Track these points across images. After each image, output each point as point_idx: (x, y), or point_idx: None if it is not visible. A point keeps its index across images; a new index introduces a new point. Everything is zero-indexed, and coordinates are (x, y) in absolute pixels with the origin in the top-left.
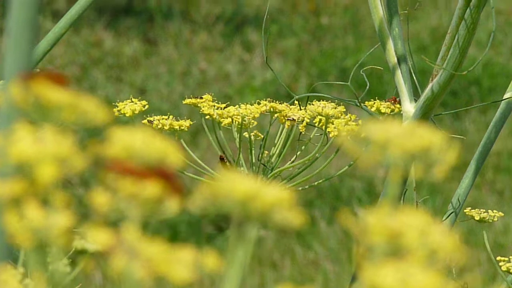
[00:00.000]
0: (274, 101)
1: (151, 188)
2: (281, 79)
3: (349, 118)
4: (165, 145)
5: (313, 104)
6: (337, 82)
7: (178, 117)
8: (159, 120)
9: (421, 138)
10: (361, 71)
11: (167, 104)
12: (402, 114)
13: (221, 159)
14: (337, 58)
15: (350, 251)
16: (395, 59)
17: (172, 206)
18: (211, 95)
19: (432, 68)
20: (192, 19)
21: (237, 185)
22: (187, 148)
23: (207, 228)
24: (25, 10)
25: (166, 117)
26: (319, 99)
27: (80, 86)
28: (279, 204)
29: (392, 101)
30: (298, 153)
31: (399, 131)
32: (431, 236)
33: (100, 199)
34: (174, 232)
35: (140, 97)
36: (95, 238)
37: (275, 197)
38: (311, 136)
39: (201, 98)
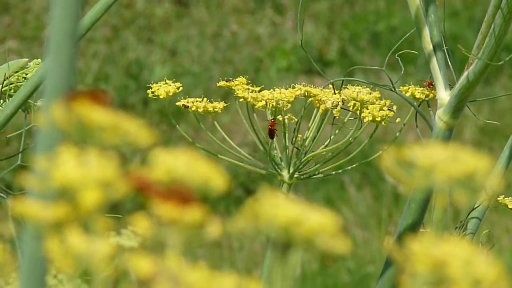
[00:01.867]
0: (305, 66)
1: (192, 214)
2: (313, 42)
3: (384, 104)
4: (209, 168)
5: (347, 88)
6: (373, 67)
7: (208, 80)
8: (193, 103)
9: (466, 163)
10: (396, 55)
11: (198, 66)
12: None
13: (270, 131)
14: (369, 22)
15: (379, 217)
16: (431, 46)
17: (213, 231)
18: (242, 59)
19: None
20: None
21: (280, 209)
22: (221, 131)
23: (237, 192)
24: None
25: (200, 99)
26: (353, 83)
27: (111, 47)
28: (323, 230)
29: (427, 85)
30: (332, 137)
31: (444, 155)
32: (475, 265)
33: (142, 224)
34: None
35: (171, 59)
36: (138, 265)
37: (318, 222)
38: (345, 121)
39: (235, 80)
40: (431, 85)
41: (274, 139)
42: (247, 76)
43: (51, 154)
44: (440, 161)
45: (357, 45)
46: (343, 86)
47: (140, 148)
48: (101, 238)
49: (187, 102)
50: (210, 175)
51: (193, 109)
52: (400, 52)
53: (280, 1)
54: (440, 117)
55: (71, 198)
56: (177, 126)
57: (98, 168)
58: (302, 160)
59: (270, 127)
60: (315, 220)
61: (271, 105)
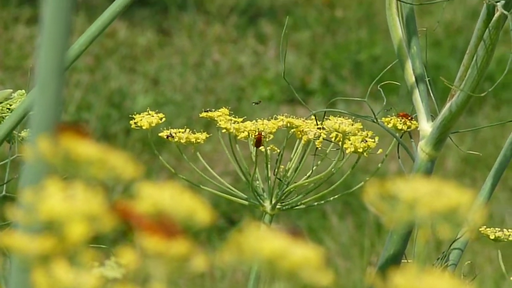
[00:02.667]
0: (287, 95)
1: (177, 246)
2: (295, 71)
3: (366, 135)
4: (194, 201)
5: (329, 119)
6: (355, 99)
7: (190, 109)
8: (175, 134)
9: (449, 198)
10: (378, 86)
11: (180, 95)
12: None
13: (258, 141)
14: (351, 51)
15: (361, 247)
16: (413, 78)
17: (198, 263)
18: (224, 88)
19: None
20: (206, 10)
21: (265, 243)
22: (203, 161)
23: (218, 221)
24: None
25: (183, 130)
26: (335, 114)
27: (94, 76)
28: (307, 263)
29: (402, 117)
30: (314, 168)
31: (426, 189)
32: None
33: (127, 256)
34: (188, 228)
35: (153, 88)
36: None
37: (302, 256)
38: (327, 152)
39: (217, 111)
40: (407, 117)
41: (257, 170)
42: (229, 106)
43: (37, 187)
44: (423, 195)
45: (339, 75)
46: (325, 117)
47: (124, 181)
48: (87, 270)
49: (170, 133)
50: (194, 208)
51: (175, 140)
52: (383, 83)
53: (262, 30)
54: (422, 149)
55: (57, 231)
56: (160, 157)
57: (84, 201)
58: (284, 191)
59: (258, 136)
60: (299, 253)
61: (253, 135)
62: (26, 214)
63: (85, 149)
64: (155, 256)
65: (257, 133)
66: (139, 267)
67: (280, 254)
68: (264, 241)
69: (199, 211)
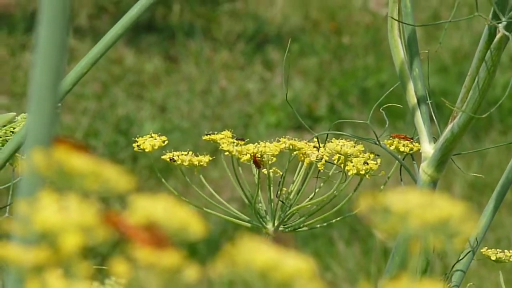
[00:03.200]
0: (294, 122)
1: (170, 258)
2: (302, 98)
3: (368, 157)
4: (187, 213)
5: (332, 142)
6: (358, 121)
7: (198, 136)
8: (178, 156)
9: (441, 209)
10: (381, 109)
11: (187, 122)
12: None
13: (255, 162)
14: (358, 78)
15: (368, 272)
16: (415, 100)
17: (191, 275)
18: (231, 115)
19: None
20: (213, 37)
21: (257, 255)
22: (208, 186)
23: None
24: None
25: (186, 153)
26: (337, 137)
27: (101, 103)
28: (300, 275)
29: (402, 139)
30: (317, 190)
31: (419, 202)
32: None
33: (120, 269)
34: (193, 250)
35: (160, 115)
36: None
37: (295, 267)
38: (330, 174)
39: (220, 133)
40: (407, 139)
41: (259, 193)
42: (235, 133)
43: (32, 199)
44: (415, 206)
45: (346, 101)
46: (328, 140)
47: (118, 193)
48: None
49: (173, 156)
50: (187, 220)
51: (178, 162)
52: (386, 106)
53: (269, 57)
54: (424, 170)
55: (52, 242)
56: (163, 181)
57: (77, 212)
58: (287, 213)
59: (254, 158)
60: (292, 265)
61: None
62: (21, 225)
63: (79, 161)
64: (147, 267)
65: (251, 155)
66: (132, 279)
67: (272, 266)
68: (257, 252)
69: (192, 223)
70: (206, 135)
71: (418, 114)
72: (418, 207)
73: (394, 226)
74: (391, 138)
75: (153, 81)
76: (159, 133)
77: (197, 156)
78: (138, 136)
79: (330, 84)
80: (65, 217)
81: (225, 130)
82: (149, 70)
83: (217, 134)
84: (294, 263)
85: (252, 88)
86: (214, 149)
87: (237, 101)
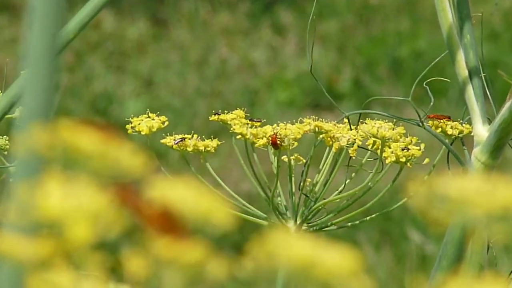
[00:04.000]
0: (311, 99)
1: (194, 251)
2: (320, 70)
3: (410, 141)
4: (211, 200)
5: (366, 123)
6: (395, 98)
7: (192, 116)
8: (181, 140)
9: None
10: (424, 84)
11: (180, 99)
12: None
13: (273, 143)
14: (389, 45)
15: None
16: (466, 72)
17: (218, 271)
18: (233, 91)
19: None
20: None
21: (294, 248)
22: (214, 174)
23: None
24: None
25: (190, 136)
26: (372, 117)
27: (74, 76)
28: (342, 272)
29: (439, 118)
30: (347, 182)
31: (479, 187)
32: None
33: (137, 263)
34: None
35: (146, 90)
36: None
37: (337, 263)
38: (363, 162)
39: (231, 113)
40: (447, 119)
41: (278, 184)
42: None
43: (33, 183)
44: (475, 193)
45: (374, 74)
46: (361, 121)
47: (132, 177)
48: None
49: (175, 139)
50: (212, 208)
51: (181, 147)
52: (429, 81)
53: (279, 20)
54: (477, 157)
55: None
56: (162, 168)
57: (88, 198)
58: (311, 209)
59: (273, 139)
60: (333, 261)
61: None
62: (21, 213)
63: (86, 140)
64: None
65: (269, 136)
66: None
67: (312, 262)
68: (294, 247)
69: (216, 212)
70: (215, 114)
71: (469, 90)
72: (478, 194)
73: (450, 216)
74: (430, 119)
75: (138, 50)
76: (145, 111)
77: (202, 140)
78: (125, 118)
79: (355, 53)
80: (73, 203)
81: (225, 109)
82: (133, 37)
83: (227, 113)
84: (336, 258)
85: (259, 58)
86: (214, 133)
87: (241, 74)
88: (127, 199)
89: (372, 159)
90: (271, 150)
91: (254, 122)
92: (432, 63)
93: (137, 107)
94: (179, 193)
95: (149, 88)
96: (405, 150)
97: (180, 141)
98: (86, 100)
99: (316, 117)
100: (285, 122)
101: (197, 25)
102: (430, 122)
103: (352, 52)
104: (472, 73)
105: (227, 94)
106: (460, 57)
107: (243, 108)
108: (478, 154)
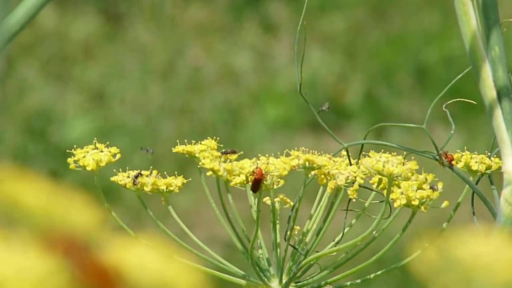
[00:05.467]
0: (310, 116)
1: None
2: (323, 79)
3: (424, 180)
4: (177, 267)
5: (369, 156)
6: (409, 125)
7: (156, 140)
8: (137, 177)
9: None
10: (443, 106)
11: (139, 118)
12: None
13: (254, 185)
14: (412, 48)
15: None
16: (494, 93)
17: None
18: (209, 108)
19: None
20: None
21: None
22: (177, 219)
23: None
24: None
25: (148, 172)
26: (379, 147)
27: (3, 89)
28: None
29: (444, 157)
30: (346, 230)
31: (492, 251)
32: None
33: None
34: None
35: (95, 106)
36: None
37: None
38: (366, 205)
39: (199, 143)
40: (447, 156)
41: (259, 233)
42: (217, 137)
43: None
44: (492, 259)
45: (392, 84)
46: (364, 152)
47: (82, 233)
48: None
49: (129, 176)
50: (177, 276)
51: (136, 187)
52: (453, 101)
53: (268, 14)
54: (508, 200)
55: None
56: (112, 213)
57: (30, 261)
58: (300, 265)
59: (256, 177)
60: None
61: (250, 176)
62: None
63: (33, 194)
64: None
65: (254, 171)
66: None
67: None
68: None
69: (181, 281)
70: (179, 145)
71: (498, 115)
72: (496, 260)
73: (458, 284)
74: (440, 156)
75: (85, 53)
76: (94, 137)
77: (163, 176)
78: (74, 146)
79: (368, 57)
80: (13, 267)
81: (199, 132)
82: (79, 36)
83: (194, 144)
84: None
85: (243, 64)
86: (183, 163)
87: (219, 85)
88: (71, 257)
89: (377, 201)
90: (249, 190)
91: (228, 155)
92: (465, 71)
93: (84, 128)
94: (134, 257)
95: (100, 103)
96: (420, 191)
97: (135, 178)
98: (18, 119)
99: (316, 143)
100: (267, 155)
101: (162, 22)
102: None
103: (364, 56)
104: (502, 94)
105: (201, 111)
106: (486, 74)
107: (221, 131)
108: (508, 196)
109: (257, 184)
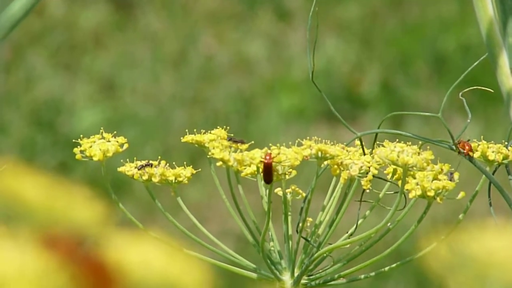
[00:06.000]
0: (324, 107)
1: None
2: (338, 68)
3: (440, 170)
4: (181, 264)
5: (384, 146)
6: (423, 113)
7: (167, 130)
8: (143, 167)
9: None
10: (460, 94)
11: (150, 108)
12: None
13: (266, 172)
14: (429, 36)
15: None
16: (511, 81)
17: None
18: (222, 97)
19: None
20: None
21: None
22: (187, 211)
23: None
24: None
25: (155, 162)
26: (393, 137)
27: (11, 77)
28: None
29: (462, 147)
30: (360, 221)
31: (508, 247)
32: None
33: None
34: None
35: (105, 96)
36: None
37: None
38: (380, 196)
39: (209, 133)
40: (466, 146)
41: (270, 225)
42: (228, 127)
43: None
44: (503, 255)
45: (409, 73)
46: (379, 142)
47: (84, 230)
48: None
49: (143, 164)
50: (182, 273)
51: (144, 178)
52: (470, 89)
53: (283, 1)
54: None
55: None
56: (119, 205)
57: (29, 260)
58: (313, 257)
59: (266, 162)
60: None
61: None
62: None
63: (32, 186)
64: None
65: (264, 159)
66: None
67: None
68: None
69: (187, 277)
70: (188, 134)
71: None
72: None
73: (473, 281)
74: (457, 145)
75: (95, 42)
76: (104, 127)
77: (172, 167)
78: (80, 136)
79: (384, 46)
80: (12, 266)
81: (211, 121)
82: (89, 25)
83: (204, 133)
84: None
85: (256, 53)
86: (195, 154)
87: (232, 74)
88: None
89: (392, 192)
90: (261, 181)
91: (237, 144)
92: (481, 58)
93: (94, 118)
94: (135, 254)
95: (110, 93)
96: (436, 181)
97: (142, 167)
98: (26, 110)
99: (331, 133)
100: (278, 145)
101: (173, 10)
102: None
103: (380, 45)
104: None
105: (213, 101)
106: (503, 61)
107: (234, 121)
108: None
109: (268, 172)
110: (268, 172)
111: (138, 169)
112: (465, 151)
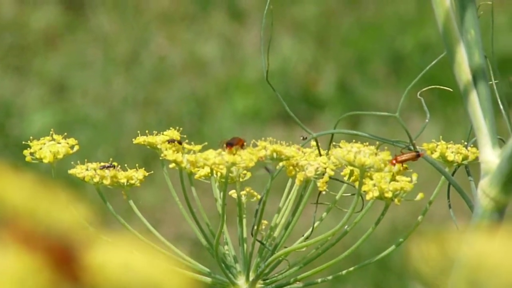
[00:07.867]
0: (279, 108)
1: None
2: (294, 68)
3: (398, 170)
4: (162, 270)
5: (340, 147)
6: (380, 113)
7: (119, 133)
8: (95, 170)
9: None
10: (418, 94)
11: (102, 110)
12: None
13: (229, 144)
14: (387, 35)
15: None
16: (469, 77)
17: None
18: (175, 100)
19: None
20: None
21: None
22: (139, 215)
23: None
24: None
25: (108, 163)
26: (350, 138)
27: None
28: None
29: (394, 161)
30: (316, 224)
31: (498, 252)
32: None
33: None
34: None
35: (56, 98)
36: None
37: None
38: (337, 198)
39: (162, 134)
40: (397, 161)
41: (225, 227)
42: (181, 129)
43: None
44: (493, 260)
45: (366, 73)
46: (335, 143)
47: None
48: None
49: (87, 169)
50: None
51: (95, 180)
52: (428, 88)
53: (236, 0)
54: (485, 191)
55: None
56: (71, 209)
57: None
58: (268, 261)
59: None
60: None
61: (219, 173)
62: None
63: (12, 188)
64: None
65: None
66: None
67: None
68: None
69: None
70: (140, 136)
71: (474, 101)
72: (497, 261)
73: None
74: (414, 147)
75: (45, 44)
76: (55, 130)
77: (124, 169)
78: (30, 138)
79: (341, 45)
80: None
81: (164, 124)
82: (39, 26)
83: (156, 135)
84: None
85: (210, 54)
86: (148, 156)
87: (185, 75)
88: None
89: (349, 194)
90: (215, 183)
91: (191, 146)
92: (440, 57)
93: (45, 121)
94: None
95: (61, 96)
96: (394, 183)
97: (104, 168)
98: None
99: (286, 135)
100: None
101: (125, 11)
102: (425, 145)
103: (336, 44)
104: (478, 78)
105: (166, 102)
106: (461, 58)
107: (187, 123)
108: (486, 187)
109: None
110: (236, 143)
111: (101, 170)
112: (393, 163)
